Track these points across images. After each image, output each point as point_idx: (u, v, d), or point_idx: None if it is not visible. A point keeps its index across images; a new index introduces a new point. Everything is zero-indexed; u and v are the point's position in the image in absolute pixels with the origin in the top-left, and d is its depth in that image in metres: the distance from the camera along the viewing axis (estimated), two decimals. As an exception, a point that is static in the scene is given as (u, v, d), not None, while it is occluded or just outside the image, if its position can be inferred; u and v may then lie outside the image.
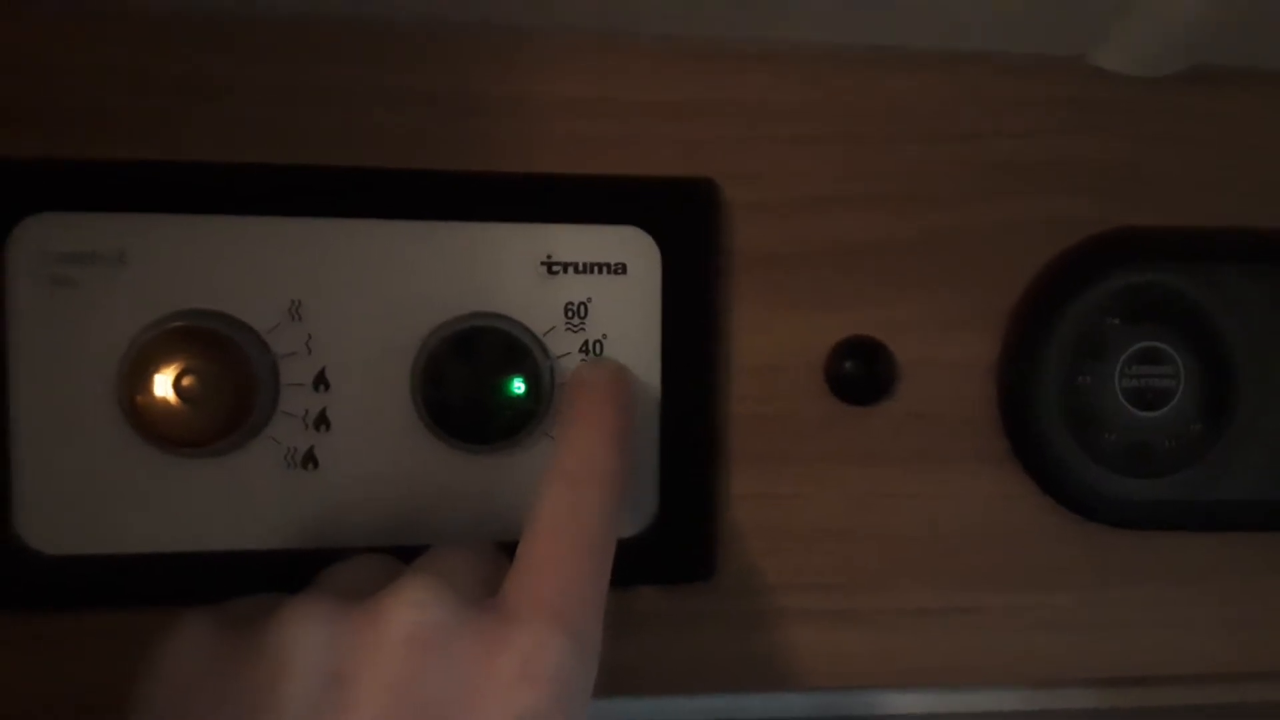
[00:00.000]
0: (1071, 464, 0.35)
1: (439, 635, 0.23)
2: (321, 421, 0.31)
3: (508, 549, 0.27)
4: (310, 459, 0.32)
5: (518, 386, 0.32)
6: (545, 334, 0.32)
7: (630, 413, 0.31)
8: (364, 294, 0.31)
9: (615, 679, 0.34)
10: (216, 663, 0.23)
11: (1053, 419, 0.34)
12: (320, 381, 0.31)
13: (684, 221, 0.33)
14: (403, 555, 0.28)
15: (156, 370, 0.30)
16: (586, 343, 0.33)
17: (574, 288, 0.32)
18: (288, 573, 0.28)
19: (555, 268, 0.32)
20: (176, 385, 0.30)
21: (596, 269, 0.32)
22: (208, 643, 0.24)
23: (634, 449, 0.32)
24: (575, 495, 0.27)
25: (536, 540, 0.26)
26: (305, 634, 0.23)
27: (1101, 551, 0.35)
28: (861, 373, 0.34)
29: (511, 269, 0.32)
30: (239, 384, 0.30)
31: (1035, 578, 0.35)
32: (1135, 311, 0.35)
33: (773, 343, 0.34)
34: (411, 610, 0.23)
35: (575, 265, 0.32)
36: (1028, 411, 0.34)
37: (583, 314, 0.32)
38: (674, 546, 0.34)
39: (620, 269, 0.33)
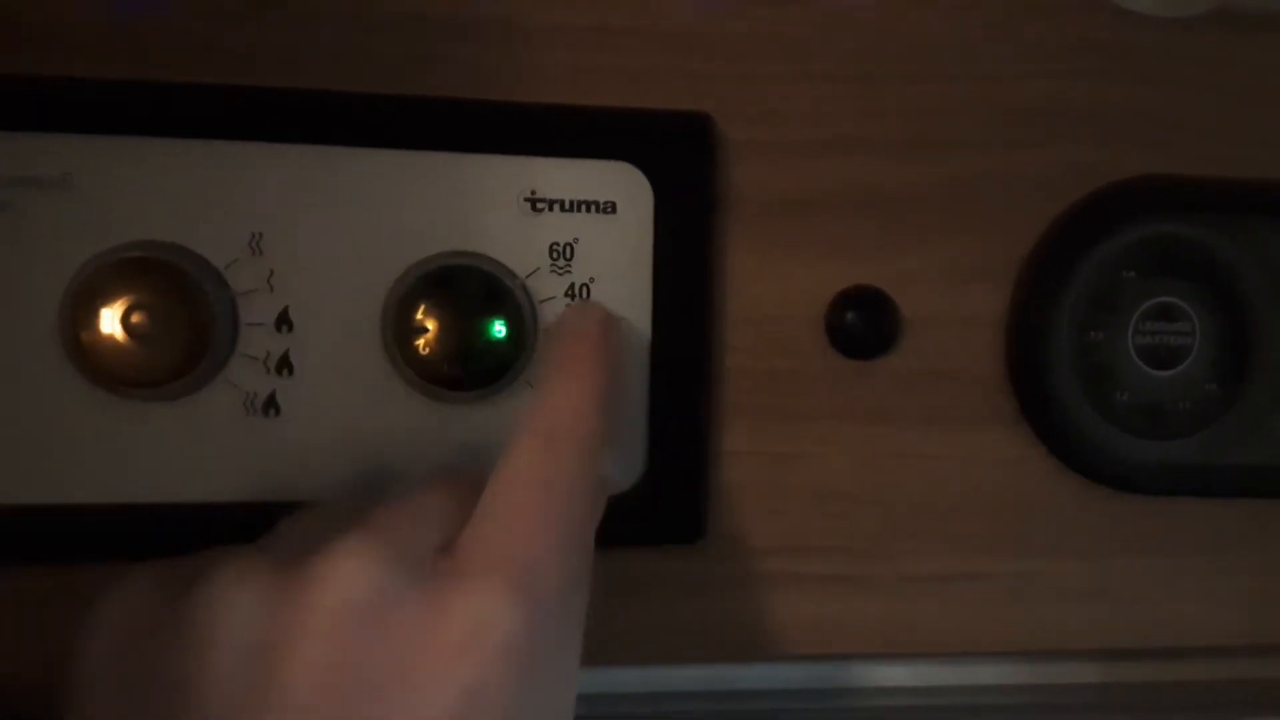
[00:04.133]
0: (1082, 424, 0.33)
1: (376, 601, 0.21)
2: (284, 365, 0.29)
3: None
4: (271, 405, 0.29)
5: (498, 330, 0.29)
6: (528, 276, 0.30)
7: (618, 369, 0.28)
8: (332, 228, 0.29)
9: (594, 647, 0.32)
10: (152, 627, 0.22)
11: (1063, 376, 0.32)
12: (283, 321, 0.29)
13: (679, 159, 0.31)
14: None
15: (103, 305, 0.27)
16: (573, 286, 0.30)
17: (560, 227, 0.30)
18: (247, 527, 0.26)
19: (540, 204, 0.30)
20: (125, 321, 0.27)
21: (584, 207, 0.30)
22: (146, 605, 0.22)
23: (619, 408, 0.29)
24: (549, 451, 0.25)
25: (500, 493, 0.24)
26: (232, 601, 0.21)
27: (1112, 517, 0.34)
28: (864, 325, 0.32)
29: (493, 204, 0.30)
30: (193, 321, 0.28)
31: (1043, 544, 0.33)
32: (1151, 265, 0.33)
33: (771, 291, 0.32)
34: (346, 575, 0.21)
35: (562, 203, 0.30)
36: (1037, 368, 0.32)
37: (569, 255, 0.30)
38: (661, 506, 0.31)
39: (610, 208, 0.30)
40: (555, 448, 0.25)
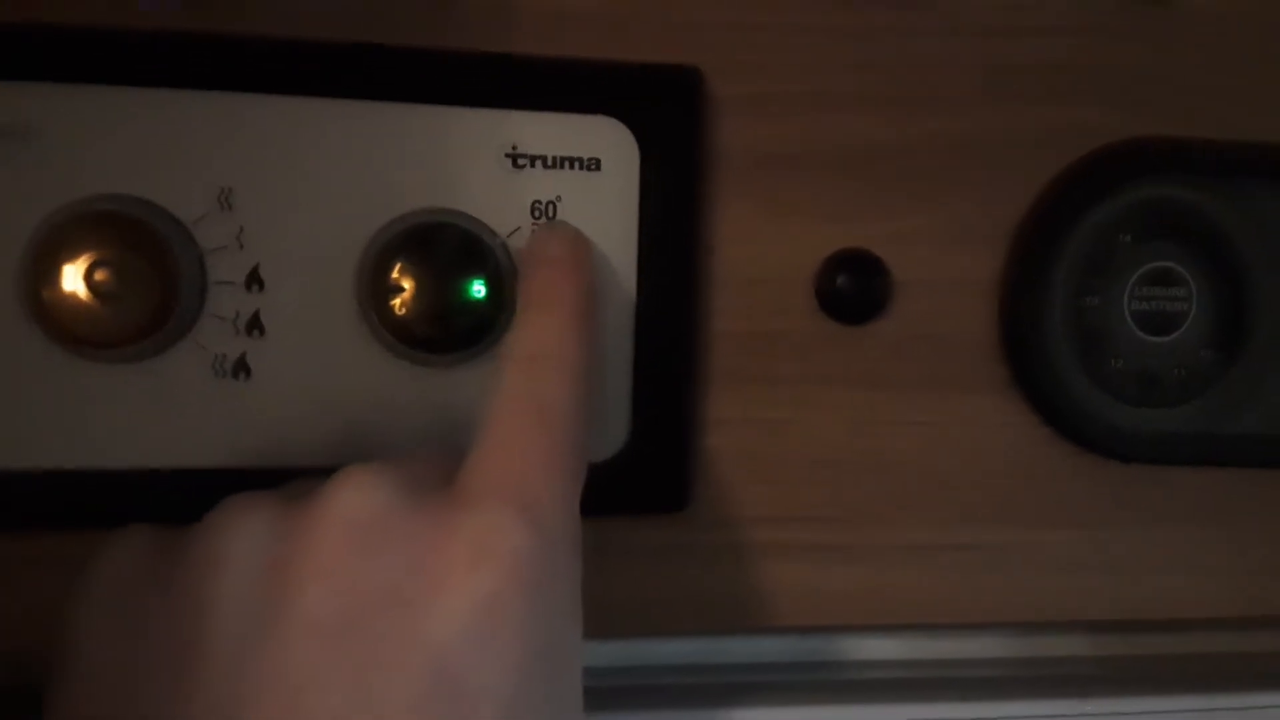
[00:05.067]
0: (1075, 391, 0.32)
1: (384, 519, 0.21)
2: (254, 326, 0.28)
3: None
4: (242, 368, 0.28)
5: (477, 290, 0.28)
6: (509, 235, 0.29)
7: (591, 293, 0.28)
8: (304, 183, 0.28)
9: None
10: (153, 572, 0.22)
11: (1057, 342, 0.32)
12: (253, 280, 0.28)
13: (666, 114, 0.30)
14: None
15: (66, 261, 0.26)
16: (555, 246, 0.29)
17: (542, 184, 0.29)
18: (216, 494, 0.24)
19: (521, 160, 0.29)
20: (88, 278, 0.26)
21: (567, 164, 0.29)
22: (145, 554, 0.23)
23: (598, 333, 0.28)
24: (534, 377, 0.25)
25: (493, 424, 0.24)
26: (240, 526, 0.22)
27: (1105, 486, 0.33)
28: (855, 289, 0.31)
29: (472, 160, 0.29)
30: (159, 279, 0.27)
31: (1035, 513, 0.33)
32: (1148, 229, 0.32)
33: (760, 253, 0.31)
34: (354, 493, 0.21)
35: (544, 159, 0.29)
36: (1031, 333, 0.32)
37: (551, 214, 0.29)
38: (645, 473, 0.31)
39: (593, 164, 0.29)
40: (538, 371, 0.25)
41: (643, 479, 0.31)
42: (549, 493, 0.23)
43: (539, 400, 0.24)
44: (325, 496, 0.22)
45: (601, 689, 0.34)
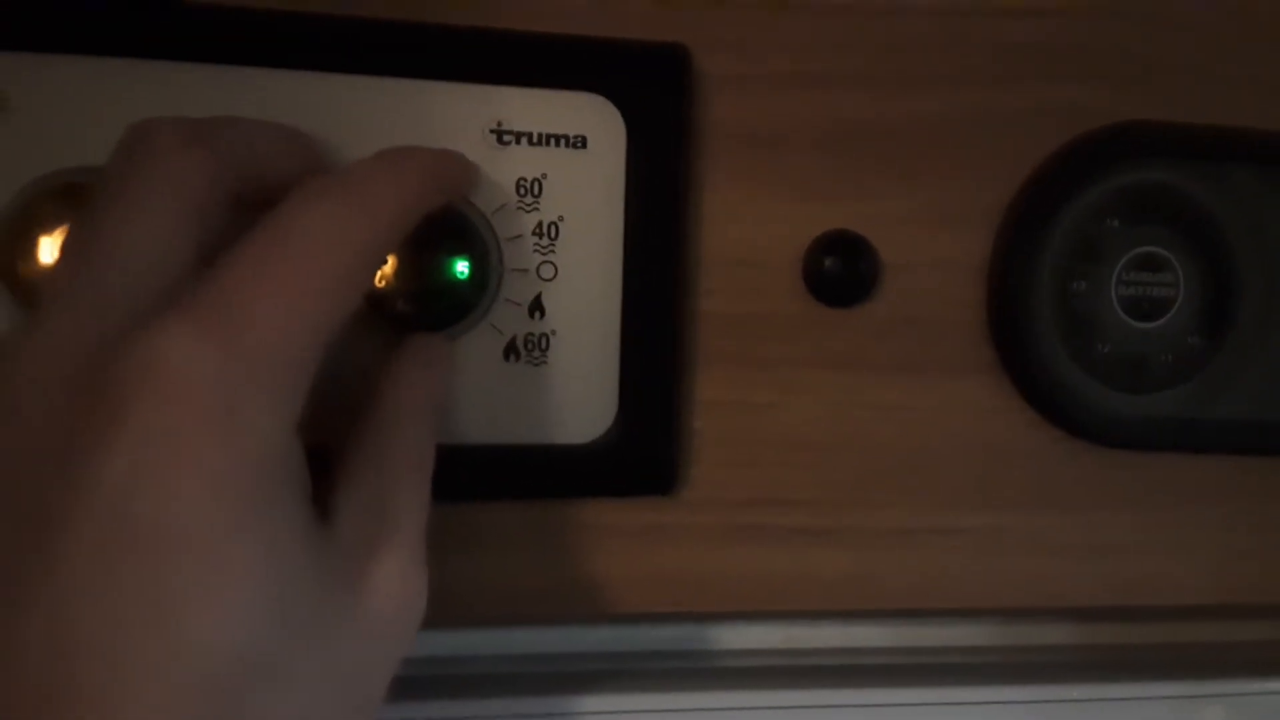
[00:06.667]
0: (1062, 376, 0.32)
1: (70, 374, 0.19)
2: (235, 301, 0.28)
3: None
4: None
5: (460, 269, 0.28)
6: (494, 212, 0.29)
7: (433, 188, 0.25)
8: (286, 157, 0.27)
9: (563, 602, 0.31)
10: None
11: (1044, 326, 0.32)
12: (234, 255, 0.27)
13: (653, 92, 0.29)
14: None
15: (43, 233, 0.26)
16: (540, 224, 0.29)
17: (527, 161, 0.29)
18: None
19: (506, 137, 0.29)
20: (64, 251, 0.26)
21: (553, 141, 0.29)
22: None
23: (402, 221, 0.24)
24: (304, 203, 0.21)
25: (239, 245, 0.21)
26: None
27: (1092, 471, 0.33)
28: (842, 271, 0.31)
29: (456, 135, 0.28)
30: (138, 253, 0.26)
31: (1020, 498, 0.33)
32: (1136, 213, 0.32)
33: (747, 234, 0.31)
34: (36, 354, 0.20)
35: (529, 136, 0.29)
36: (1018, 317, 0.31)
37: (536, 191, 0.29)
38: (632, 455, 0.30)
39: (580, 142, 0.29)
40: (316, 199, 0.22)
41: (629, 461, 0.30)
42: (265, 320, 0.20)
43: (290, 222, 0.21)
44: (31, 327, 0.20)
45: (583, 674, 0.34)
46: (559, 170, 0.29)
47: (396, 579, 0.23)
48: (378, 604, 0.22)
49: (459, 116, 0.28)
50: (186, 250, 0.21)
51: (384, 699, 0.23)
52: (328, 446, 0.24)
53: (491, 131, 0.28)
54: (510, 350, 0.29)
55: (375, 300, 0.28)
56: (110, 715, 0.18)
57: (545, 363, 0.29)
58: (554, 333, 0.29)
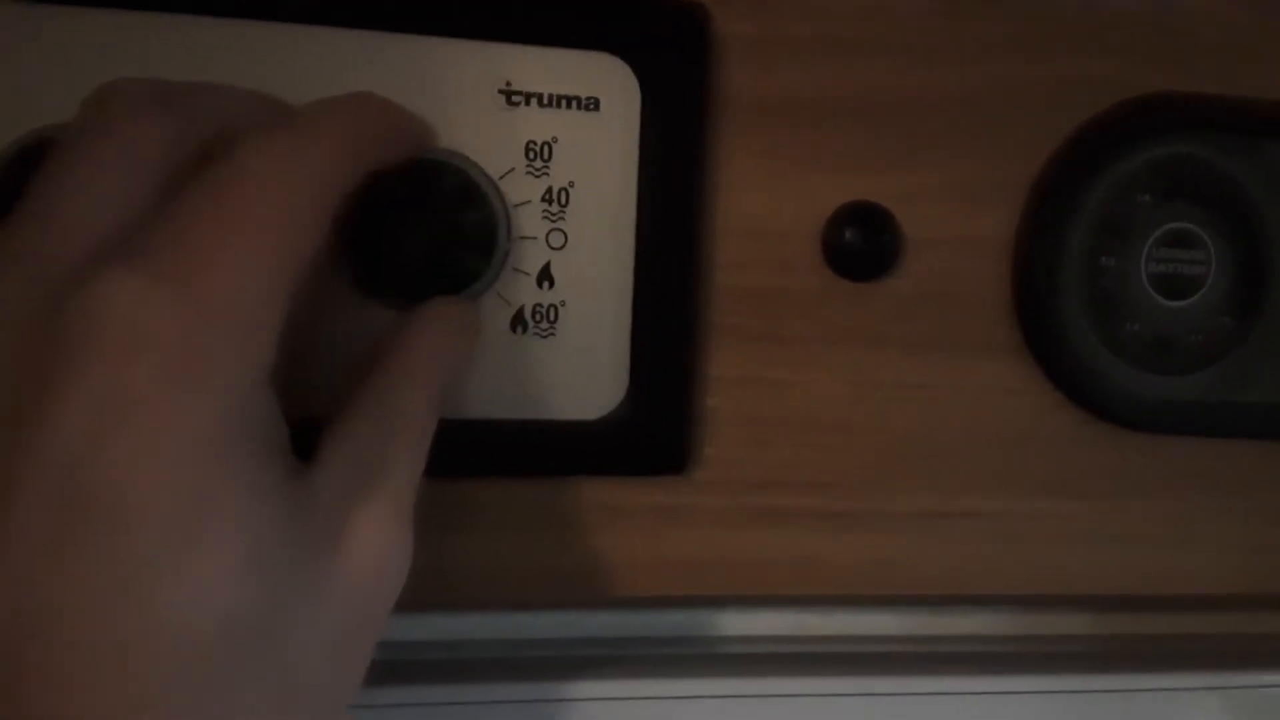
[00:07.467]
0: (1088, 356, 0.31)
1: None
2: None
3: None
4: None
5: (466, 235, 0.27)
6: (502, 176, 0.27)
7: (385, 126, 0.24)
8: (284, 115, 0.26)
9: (569, 585, 0.30)
10: None
11: (1071, 304, 0.30)
12: (228, 217, 0.26)
13: (670, 53, 0.28)
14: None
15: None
16: (550, 190, 0.28)
17: (537, 123, 0.27)
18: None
19: (516, 98, 0.27)
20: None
21: (565, 103, 0.27)
22: None
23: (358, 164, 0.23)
24: (254, 145, 0.20)
25: (189, 189, 0.20)
26: None
27: (1117, 455, 0.32)
28: (863, 244, 0.30)
29: (463, 95, 0.27)
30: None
31: (1044, 482, 0.32)
32: (1168, 188, 0.31)
33: (765, 204, 0.29)
34: None
35: (540, 97, 0.27)
36: (1044, 296, 0.30)
37: (547, 155, 0.28)
38: (643, 433, 0.29)
39: (592, 104, 0.28)
40: (261, 141, 0.20)
41: (641, 439, 0.29)
42: (221, 262, 0.19)
43: (241, 163, 0.20)
44: None
45: (589, 659, 0.33)
46: (570, 133, 0.28)
47: (378, 534, 0.21)
48: (358, 559, 0.21)
49: (466, 75, 0.27)
50: (147, 211, 0.20)
51: (373, 652, 0.22)
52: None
53: (500, 92, 0.27)
54: (518, 321, 0.28)
55: (373, 270, 0.26)
56: (82, 693, 0.17)
57: (554, 335, 0.28)
58: (563, 304, 0.28)
